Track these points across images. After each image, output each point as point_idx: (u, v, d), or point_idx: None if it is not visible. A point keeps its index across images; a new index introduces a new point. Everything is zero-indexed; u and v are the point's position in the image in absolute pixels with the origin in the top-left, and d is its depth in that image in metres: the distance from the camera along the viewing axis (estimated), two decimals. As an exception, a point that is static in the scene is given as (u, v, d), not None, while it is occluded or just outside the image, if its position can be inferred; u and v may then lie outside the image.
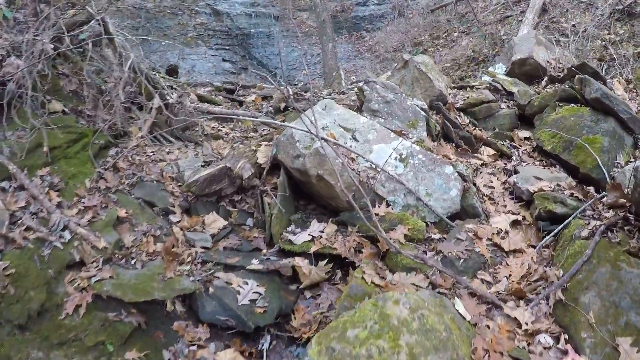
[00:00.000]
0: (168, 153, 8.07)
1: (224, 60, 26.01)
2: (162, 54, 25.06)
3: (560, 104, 8.90)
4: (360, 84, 8.75)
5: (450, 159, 7.82)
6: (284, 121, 9.66)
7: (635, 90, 10.36)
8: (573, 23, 18.02)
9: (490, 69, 12.90)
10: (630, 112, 8.26)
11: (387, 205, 6.64)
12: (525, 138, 9.01)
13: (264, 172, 7.32)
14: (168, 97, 8.83)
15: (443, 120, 8.60)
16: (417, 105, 8.23)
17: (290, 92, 13.70)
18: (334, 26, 27.25)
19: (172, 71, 14.27)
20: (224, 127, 10.88)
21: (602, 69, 12.96)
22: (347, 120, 7.43)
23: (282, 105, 11.28)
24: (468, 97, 9.37)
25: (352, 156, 6.94)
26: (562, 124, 8.35)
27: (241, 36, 27.59)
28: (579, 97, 8.91)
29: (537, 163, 8.25)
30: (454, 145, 8.44)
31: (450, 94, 9.75)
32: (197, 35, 26.84)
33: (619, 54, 15.76)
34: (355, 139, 7.21)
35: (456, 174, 7.05)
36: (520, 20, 19.78)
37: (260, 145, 7.62)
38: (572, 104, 8.82)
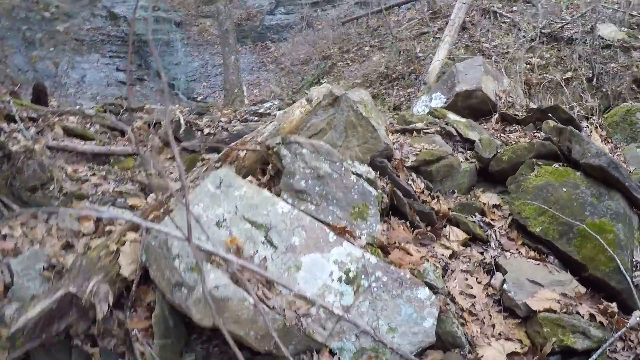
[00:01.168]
0: (4, 238, 5.22)
1: (117, 69, 23.15)
2: (50, 61, 22.31)
3: (539, 162, 6.48)
4: (275, 143, 6.03)
5: (410, 254, 5.27)
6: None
7: (609, 140, 8.10)
8: (494, 44, 15.87)
9: (424, 97, 10.52)
10: None
11: (331, 354, 4.06)
12: (495, 206, 6.53)
13: (133, 290, 4.60)
14: (11, 144, 5.97)
15: (392, 188, 6.01)
16: (362, 176, 5.55)
17: (182, 120, 11.10)
18: (238, 35, 24.69)
19: (40, 93, 11.02)
20: (94, 173, 8.16)
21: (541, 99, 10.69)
22: (257, 208, 4.80)
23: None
24: (421, 151, 6.74)
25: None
26: (552, 196, 5.91)
27: (138, 43, 24.56)
28: (560, 153, 6.57)
29: (524, 251, 5.78)
30: (407, 225, 5.90)
31: (394, 142, 7.14)
32: (90, 41, 23.77)
33: (546, 79, 13.68)
34: (271, 242, 4.59)
35: (433, 297, 4.51)
36: (438, 38, 17.55)
37: (124, 242, 4.86)
38: (554, 163, 6.44)
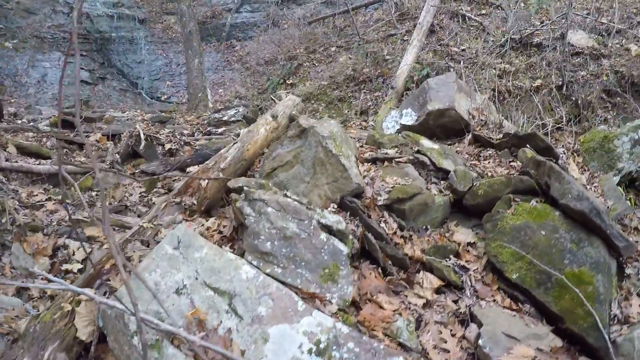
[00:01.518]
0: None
1: (80, 68, 22.13)
2: (10, 59, 21.46)
3: (517, 199, 6.11)
4: (237, 186, 5.59)
5: (383, 308, 4.88)
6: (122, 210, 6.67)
7: (586, 168, 7.74)
8: (463, 48, 15.51)
9: (393, 112, 10.12)
10: (626, 240, 5.57)
11: None
12: (470, 244, 6.14)
13: (92, 352, 4.14)
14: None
15: (363, 232, 5.60)
16: (332, 228, 5.13)
17: (142, 135, 10.59)
18: (202, 33, 24.07)
19: (-6, 106, 10.45)
20: (49, 197, 7.69)
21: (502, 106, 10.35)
22: (219, 272, 4.40)
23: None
24: (394, 187, 6.31)
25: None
26: (530, 240, 5.57)
27: (101, 41, 23.91)
28: (538, 187, 6.22)
29: (499, 298, 5.41)
30: (379, 271, 5.50)
31: (365, 174, 6.71)
32: (52, 39, 22.95)
33: (515, 86, 13.36)
34: (235, 312, 4.19)
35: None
36: (406, 40, 17.13)
37: (79, 301, 4.37)
38: (532, 199, 6.09)
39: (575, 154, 7.94)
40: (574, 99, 12.87)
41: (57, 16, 24.20)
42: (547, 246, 5.43)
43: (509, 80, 13.65)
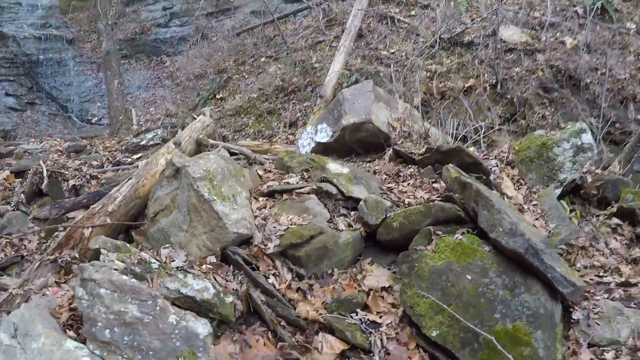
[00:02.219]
0: None
1: (7, 94, 20.64)
2: None
3: (438, 232, 4.89)
4: (73, 282, 4.30)
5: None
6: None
7: (523, 181, 6.52)
8: (392, 51, 14.34)
9: (309, 128, 8.87)
10: (572, 284, 4.23)
11: None
12: (385, 289, 4.89)
13: None
14: None
15: (247, 292, 4.34)
16: (194, 298, 3.86)
17: (45, 172, 9.26)
18: (132, 50, 22.71)
19: None
20: None
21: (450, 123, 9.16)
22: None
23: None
24: (287, 229, 5.01)
25: None
26: (453, 287, 4.37)
27: (28, 64, 22.21)
28: (465, 214, 5.05)
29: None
30: (270, 335, 4.26)
31: (258, 212, 5.41)
32: (-25, 65, 21.41)
33: (447, 87, 12.22)
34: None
35: None
36: (334, 47, 15.92)
37: None
38: (458, 230, 4.93)
39: (509, 166, 6.72)
40: (509, 97, 11.81)
41: (-20, 41, 22.62)
42: (473, 295, 4.23)
43: (440, 82, 12.53)
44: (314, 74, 15.45)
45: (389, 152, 7.17)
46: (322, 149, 7.96)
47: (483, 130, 9.43)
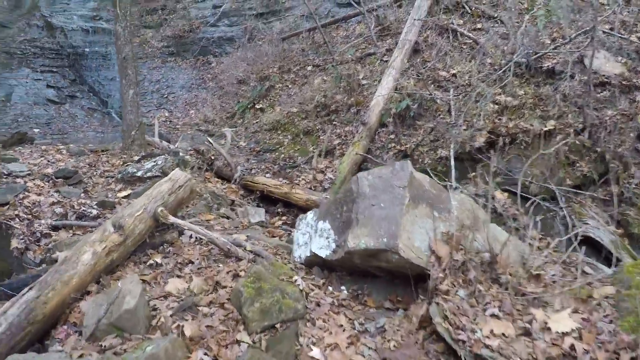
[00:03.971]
0: None
1: (48, 86, 18.09)
2: None
3: None
4: None
5: None
6: None
7: None
8: (453, 72, 10.78)
9: (310, 216, 5.69)
10: None
11: None
12: None
13: None
14: None
15: None
16: None
17: None
18: (179, 48, 19.58)
19: None
20: None
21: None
22: None
23: None
24: None
25: None
26: None
27: (74, 56, 19.67)
28: None
29: None
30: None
31: None
32: (22, 54, 18.62)
33: (521, 128, 8.68)
34: None
35: None
36: (385, 62, 12.45)
37: None
38: None
39: None
40: (598, 150, 8.15)
41: (32, 30, 20.03)
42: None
43: (511, 119, 8.98)
44: (360, 93, 12.03)
45: (424, 308, 3.70)
46: (321, 263, 4.78)
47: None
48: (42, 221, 6.70)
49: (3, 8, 20.17)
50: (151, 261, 5.31)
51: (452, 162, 8.54)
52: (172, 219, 5.43)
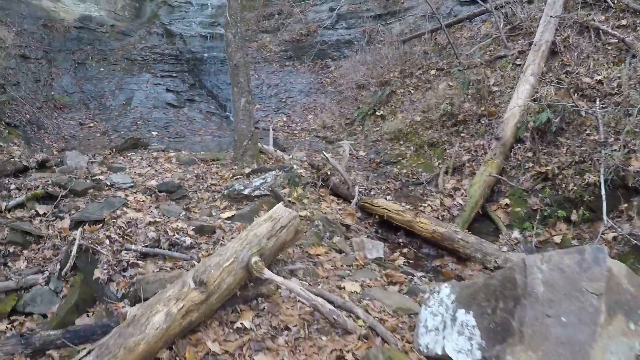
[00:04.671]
0: None
1: (167, 90, 17.85)
2: (98, 82, 17.53)
3: None
4: None
5: None
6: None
7: None
8: (599, 78, 9.30)
9: (444, 291, 5.31)
10: None
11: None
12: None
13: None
14: None
15: None
16: None
17: (76, 244, 5.50)
18: (296, 52, 18.82)
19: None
20: None
21: None
22: None
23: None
24: None
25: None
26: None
27: (193, 61, 19.35)
28: None
29: None
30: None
31: None
32: (142, 60, 18.52)
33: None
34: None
35: None
36: (518, 65, 11.06)
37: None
38: None
39: None
40: None
41: (152, 37, 20.03)
42: None
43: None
44: (491, 101, 10.73)
45: None
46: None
47: None
48: (132, 246, 5.92)
49: (125, 18, 20.26)
50: (239, 323, 4.36)
51: (603, 191, 7.17)
52: (267, 273, 4.43)
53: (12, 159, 9.59)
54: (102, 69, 17.88)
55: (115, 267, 5.56)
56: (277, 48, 20.03)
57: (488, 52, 12.55)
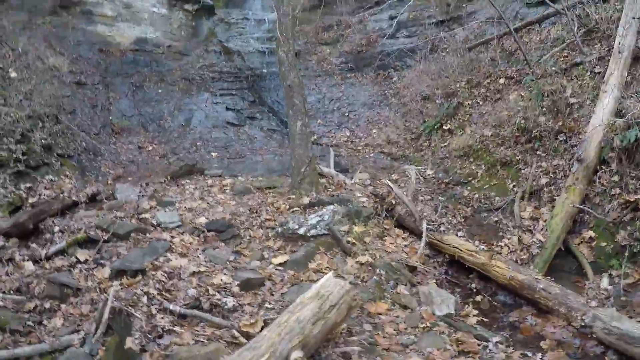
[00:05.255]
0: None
1: (227, 109, 17.35)
2: (157, 103, 17.01)
3: None
4: None
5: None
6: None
7: None
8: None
9: None
10: None
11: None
12: None
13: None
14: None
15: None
16: None
17: (108, 306, 4.90)
18: (358, 63, 18.08)
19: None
20: None
21: None
22: None
23: None
24: None
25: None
26: None
27: (252, 78, 18.77)
28: None
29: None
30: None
31: None
32: (200, 80, 18.05)
33: None
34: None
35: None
36: (597, 73, 9.97)
37: None
38: None
39: None
40: None
41: (209, 55, 19.54)
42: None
43: None
44: (569, 115, 9.67)
45: None
46: None
47: None
48: (171, 306, 5.27)
49: (182, 37, 19.86)
50: None
51: None
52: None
53: (62, 195, 9.17)
54: (160, 91, 17.38)
55: (149, 335, 4.93)
56: (337, 60, 19.24)
57: (562, 59, 11.42)
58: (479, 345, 5.39)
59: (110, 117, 15.60)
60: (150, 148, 14.73)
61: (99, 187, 9.81)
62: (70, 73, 15.28)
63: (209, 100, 17.50)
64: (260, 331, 4.36)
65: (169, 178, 10.98)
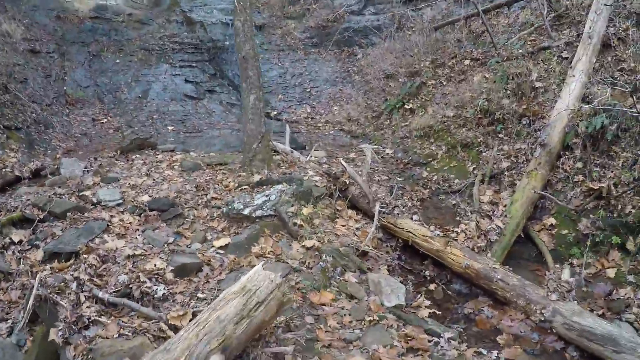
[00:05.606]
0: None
1: (186, 81, 16.62)
2: (114, 74, 16.15)
3: None
4: None
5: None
6: None
7: None
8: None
9: None
10: None
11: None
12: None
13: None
14: None
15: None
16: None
17: (33, 293, 4.17)
18: (322, 39, 17.56)
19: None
20: None
21: None
22: None
23: None
24: None
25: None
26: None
27: (213, 50, 17.92)
28: None
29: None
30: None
31: None
32: (160, 50, 17.24)
33: None
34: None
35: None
36: (565, 58, 9.63)
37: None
38: None
39: None
40: None
41: (171, 26, 18.59)
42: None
43: None
44: (534, 99, 9.32)
45: None
46: None
47: None
48: (100, 293, 4.75)
49: (144, 5, 18.95)
50: None
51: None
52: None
53: (4, 170, 8.53)
54: (118, 61, 16.56)
55: (74, 326, 4.40)
56: (302, 35, 18.60)
57: (529, 42, 11.04)
58: (429, 341, 4.97)
59: (65, 88, 14.81)
60: (105, 120, 14.14)
61: (44, 162, 9.24)
62: (24, 40, 14.50)
63: (168, 71, 16.77)
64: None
65: (118, 152, 10.29)
